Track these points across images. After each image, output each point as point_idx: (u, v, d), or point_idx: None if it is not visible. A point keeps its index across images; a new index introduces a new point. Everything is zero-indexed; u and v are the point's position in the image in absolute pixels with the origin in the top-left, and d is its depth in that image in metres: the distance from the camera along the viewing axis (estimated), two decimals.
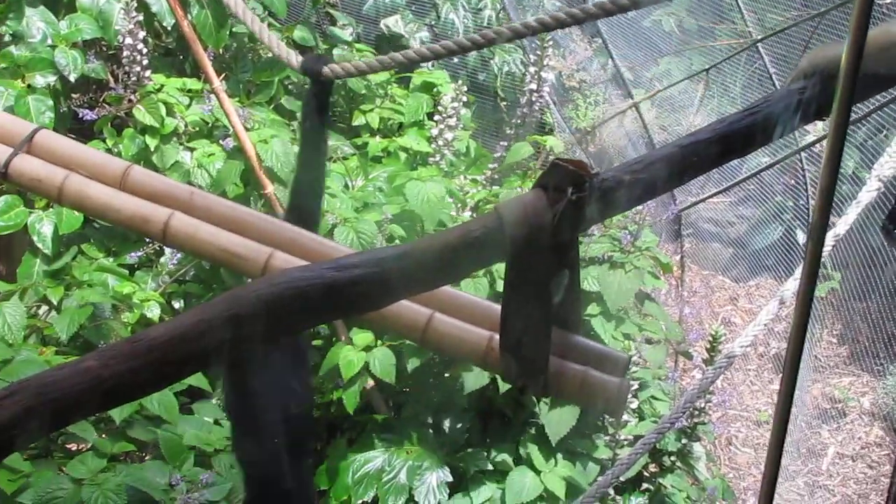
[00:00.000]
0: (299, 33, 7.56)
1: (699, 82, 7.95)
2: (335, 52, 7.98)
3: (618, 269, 6.01)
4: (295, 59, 3.59)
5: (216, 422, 5.62)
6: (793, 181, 9.02)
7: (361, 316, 2.87)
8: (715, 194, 9.00)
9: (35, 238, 5.97)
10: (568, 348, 2.34)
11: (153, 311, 5.98)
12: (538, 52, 7.74)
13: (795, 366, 1.56)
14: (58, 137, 2.73)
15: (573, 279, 2.33)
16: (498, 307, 2.32)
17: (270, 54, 7.40)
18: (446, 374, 6.09)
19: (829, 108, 2.20)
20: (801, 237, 8.94)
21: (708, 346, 5.91)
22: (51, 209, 6.01)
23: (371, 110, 7.75)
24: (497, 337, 2.32)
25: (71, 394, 1.87)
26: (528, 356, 2.27)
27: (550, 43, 7.72)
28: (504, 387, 5.69)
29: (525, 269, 2.18)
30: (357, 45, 8.30)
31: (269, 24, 7.67)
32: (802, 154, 8.21)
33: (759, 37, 8.01)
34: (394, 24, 9.23)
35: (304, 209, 3.56)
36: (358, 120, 7.72)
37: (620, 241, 6.12)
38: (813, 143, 7.69)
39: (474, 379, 5.74)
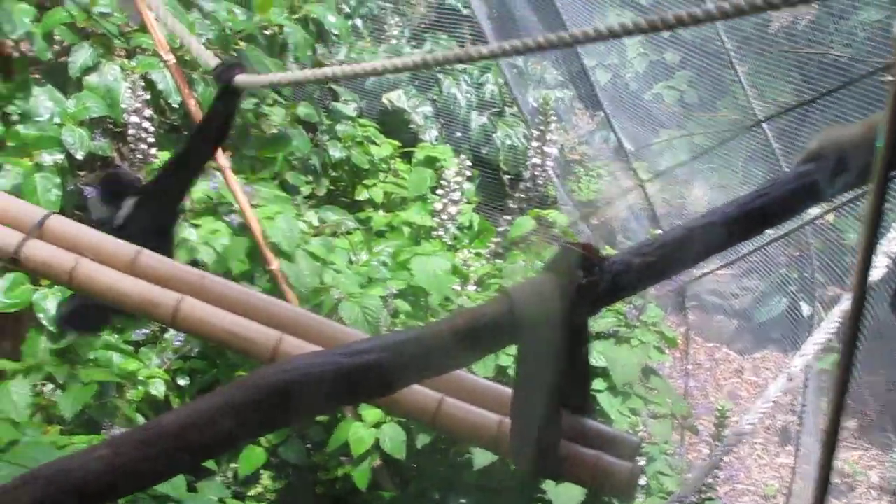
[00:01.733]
0: (303, 109, 7.60)
1: (703, 160, 8.01)
2: (339, 127, 8.02)
3: (623, 343, 6.01)
4: (211, 62, 3.63)
5: (221, 501, 5.58)
6: (797, 253, 9.03)
7: (372, 400, 2.87)
8: (719, 267, 9.01)
9: (41, 316, 5.96)
10: (579, 432, 2.33)
11: (158, 388, 5.97)
12: (541, 127, 7.80)
13: (832, 440, 1.56)
14: (68, 223, 2.74)
15: (583, 362, 2.33)
16: (508, 391, 2.32)
17: (275, 130, 7.46)
18: (455, 451, 6.07)
19: (838, 190, 2.20)
20: (807, 309, 8.92)
21: (715, 421, 5.89)
22: (56, 287, 6.00)
23: (374, 185, 7.79)
24: (508, 421, 2.31)
25: (84, 482, 1.86)
26: (540, 440, 2.26)
27: (553, 117, 7.78)
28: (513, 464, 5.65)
29: (536, 352, 2.18)
30: (360, 120, 8.35)
31: (275, 101, 7.73)
32: (807, 227, 8.22)
33: (762, 113, 8.06)
34: (396, 98, 9.29)
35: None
36: (361, 194, 7.76)
37: (626, 316, 6.12)
38: (817, 217, 7.71)
39: (483, 456, 5.71)
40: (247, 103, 7.46)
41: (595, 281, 2.14)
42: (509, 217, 8.22)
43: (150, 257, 2.67)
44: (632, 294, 4.55)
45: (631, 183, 8.91)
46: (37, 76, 6.62)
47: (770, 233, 8.20)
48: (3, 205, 2.78)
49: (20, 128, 6.25)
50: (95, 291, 2.65)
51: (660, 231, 8.38)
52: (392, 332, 2.21)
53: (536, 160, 8.00)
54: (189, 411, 1.98)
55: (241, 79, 3.35)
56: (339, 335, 2.55)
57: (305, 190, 7.62)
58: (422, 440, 5.82)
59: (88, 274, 2.64)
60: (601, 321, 6.07)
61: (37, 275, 2.73)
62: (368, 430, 5.78)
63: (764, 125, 8.15)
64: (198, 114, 6.25)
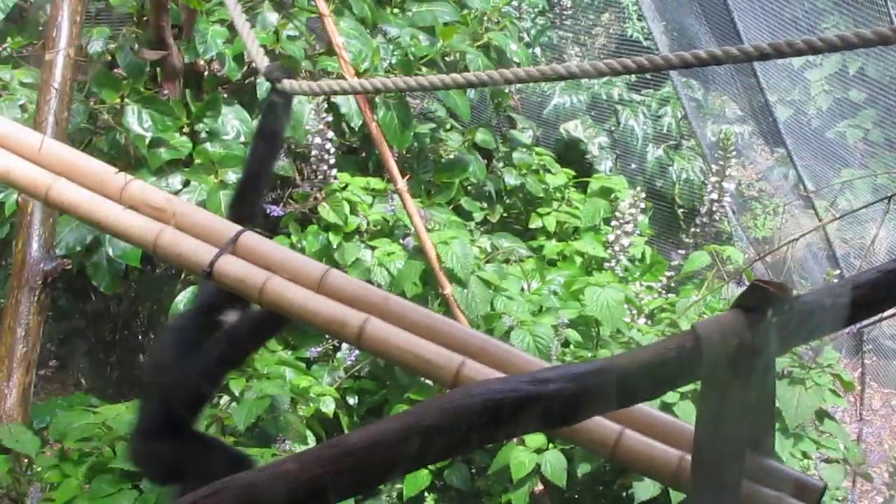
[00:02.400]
0: (481, 136, 7.66)
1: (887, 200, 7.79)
2: (515, 154, 8.05)
3: (798, 384, 5.88)
4: (263, 64, 3.59)
5: None
6: None
7: (554, 429, 2.87)
8: None
9: None
10: (761, 472, 2.29)
11: (328, 406, 6.07)
12: (720, 162, 7.70)
13: None
14: (260, 239, 2.81)
15: (769, 402, 2.29)
16: (690, 427, 2.29)
17: (452, 156, 7.53)
18: (617, 482, 6.01)
19: None
20: None
21: (890, 469, 5.71)
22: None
23: (548, 213, 7.79)
24: (689, 457, 2.28)
25: (271, 495, 1.90)
26: (721, 479, 2.22)
27: (733, 152, 7.68)
28: (677, 497, 5.59)
29: (721, 390, 2.15)
30: (536, 149, 8.37)
31: (452, 126, 7.81)
32: None
33: None
34: (573, 128, 9.28)
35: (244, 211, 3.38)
36: (535, 222, 7.77)
37: (801, 357, 5.99)
38: None
39: (645, 489, 5.65)
40: (424, 128, 7.56)
41: (785, 320, 2.10)
42: (682, 251, 8.13)
43: (337, 276, 2.72)
44: (822, 336, 4.46)
45: (810, 222, 8.73)
46: (225, 95, 6.83)
47: None
48: (199, 219, 2.87)
49: (208, 145, 6.45)
50: (285, 308, 2.71)
51: (838, 272, 8.19)
52: (575, 363, 2.21)
53: (714, 195, 7.90)
54: (375, 430, 2.00)
55: (286, 83, 3.36)
56: (520, 362, 2.55)
57: (479, 216, 7.67)
58: (583, 468, 5.79)
59: (278, 291, 2.70)
60: (777, 361, 5.95)
61: (228, 289, 2.78)
62: (529, 455, 5.78)
63: None
64: (379, 136, 6.36)
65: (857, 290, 2.20)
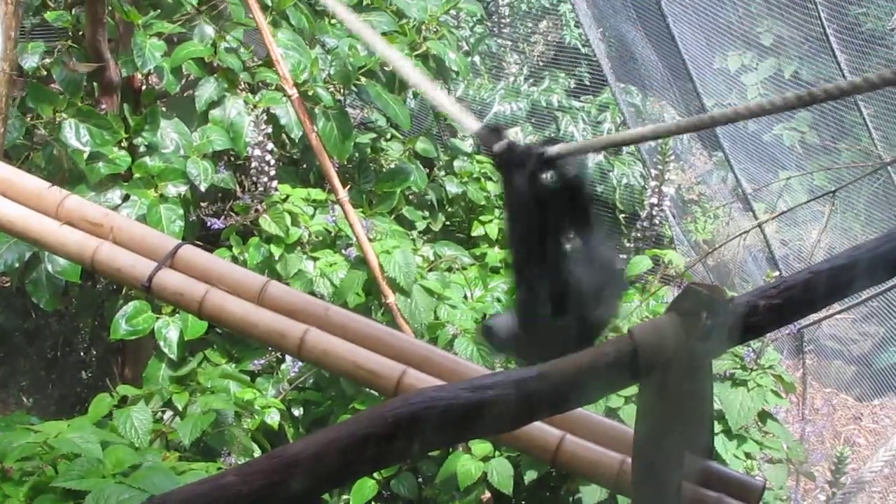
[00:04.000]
0: (421, 145, 7.67)
1: (823, 202, 7.88)
2: (456, 163, 8.07)
3: (740, 386, 5.93)
4: (472, 126, 3.18)
5: None
6: None
7: (494, 435, 2.88)
8: (838, 312, 8.86)
9: (161, 343, 6.09)
10: (701, 474, 2.31)
11: (273, 418, 6.05)
12: (659, 166, 7.76)
13: None
14: (199, 253, 2.81)
15: (707, 404, 2.31)
16: (629, 430, 2.31)
17: (393, 165, 7.54)
18: (564, 487, 6.04)
19: None
20: None
21: (832, 468, 5.78)
22: (177, 315, 6.13)
23: (490, 221, 7.82)
24: (629, 460, 2.30)
25: None
26: (662, 481, 2.25)
27: (672, 157, 7.74)
28: (624, 501, 5.62)
29: (658, 393, 2.17)
30: (477, 157, 8.39)
31: (393, 136, 7.82)
32: None
33: (887, 156, 7.92)
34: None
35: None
36: (477, 230, 7.80)
37: (743, 358, 6.05)
38: None
39: (592, 495, 5.67)
40: (364, 137, 7.57)
41: (720, 322, 2.13)
42: (624, 256, 8.18)
43: (277, 288, 2.72)
44: (756, 337, 4.50)
45: (749, 224, 8.82)
46: (164, 109, 6.79)
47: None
48: (136, 233, 2.86)
49: (147, 159, 6.41)
50: (225, 321, 2.71)
51: (777, 273, 8.28)
52: (514, 370, 2.22)
53: (654, 199, 7.97)
54: (316, 441, 2.01)
55: (501, 145, 2.93)
56: (463, 371, 2.57)
57: (421, 225, 7.67)
58: (530, 475, 5.80)
59: (218, 304, 2.70)
60: (718, 363, 6.00)
61: (167, 303, 2.78)
62: (476, 464, 5.78)
63: (889, 169, 8.01)
64: (319, 147, 6.36)
65: (789, 291, 2.24)
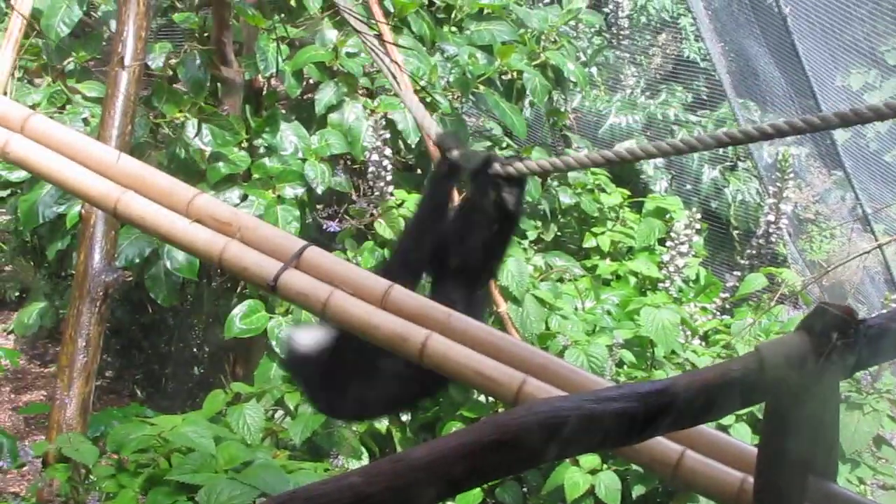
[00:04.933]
0: (536, 154, 7.65)
1: None
2: (570, 174, 8.06)
3: (855, 410, 5.83)
4: (433, 128, 3.58)
5: None
6: None
7: (615, 449, 2.87)
8: None
9: (274, 343, 6.16)
10: (824, 496, 2.27)
11: (381, 422, 6.09)
12: (778, 184, 7.66)
13: None
14: (324, 254, 2.84)
15: (833, 426, 2.28)
16: (752, 449, 2.29)
17: None
18: (671, 503, 5.99)
19: None
20: None
21: None
22: (290, 315, 6.20)
23: (603, 233, 7.79)
24: (751, 479, 2.28)
25: None
26: (784, 502, 2.22)
27: (791, 175, 7.64)
28: None
29: (784, 413, 2.14)
30: (592, 168, 8.36)
31: (508, 145, 7.82)
32: None
33: None
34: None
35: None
36: (589, 242, 7.77)
37: (859, 382, 5.94)
38: None
39: None
40: (480, 145, 7.58)
41: (851, 344, 2.09)
42: (737, 273, 8.08)
43: (400, 292, 2.74)
44: (887, 360, 4.42)
45: (867, 245, 8.66)
46: (284, 111, 6.89)
47: None
48: (263, 234, 2.90)
49: (266, 160, 6.51)
50: (347, 323, 2.73)
51: None
52: (638, 382, 2.20)
53: (770, 217, 7.87)
54: (439, 446, 2.01)
55: (456, 153, 3.26)
56: (582, 381, 2.56)
57: (533, 234, 7.67)
58: (637, 490, 5.77)
59: (342, 305, 2.72)
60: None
61: (291, 303, 2.81)
62: (584, 476, 5.76)
63: None
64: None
65: None
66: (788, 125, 2.90)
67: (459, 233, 3.32)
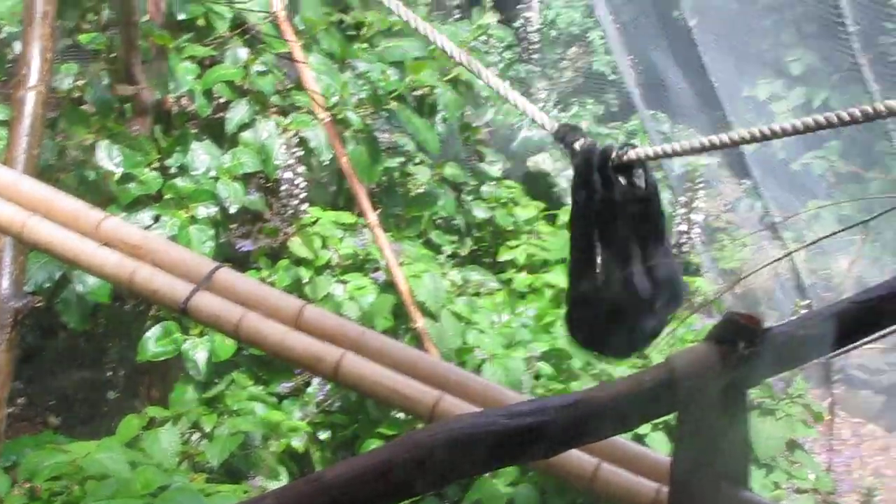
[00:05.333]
0: (450, 169, 7.68)
1: (852, 231, 7.88)
2: (484, 188, 8.09)
3: (769, 416, 5.92)
4: (549, 124, 3.27)
5: None
6: None
7: (530, 463, 2.87)
8: (867, 342, 8.79)
9: (189, 365, 6.10)
10: (737, 503, 2.30)
11: (300, 441, 6.06)
12: (688, 194, 7.75)
13: None
14: (236, 275, 2.82)
15: (744, 433, 2.31)
16: (667, 459, 2.31)
17: (422, 189, 7.55)
18: None
19: None
20: None
21: (861, 499, 5.75)
22: (205, 337, 6.14)
23: (518, 246, 7.81)
24: (665, 489, 2.30)
25: None
26: None
27: (701, 184, 7.73)
28: None
29: (696, 422, 2.17)
30: (505, 182, 8.41)
31: (422, 160, 7.83)
32: None
33: None
34: (542, 161, 9.34)
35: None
36: (504, 255, 7.79)
37: (772, 388, 6.03)
38: None
39: None
40: (393, 161, 7.58)
41: (758, 352, 2.13)
42: None
43: (313, 312, 2.73)
44: (793, 367, 4.49)
45: (778, 253, 8.80)
46: (195, 131, 6.83)
47: None
48: (174, 256, 2.87)
49: (178, 181, 6.44)
50: (261, 344, 2.72)
51: (807, 302, 8.25)
52: (552, 396, 2.21)
53: (682, 227, 7.95)
54: (354, 465, 2.01)
55: (580, 144, 3.05)
56: (497, 396, 2.57)
57: (449, 249, 7.68)
58: (555, 502, 5.79)
59: (255, 327, 2.70)
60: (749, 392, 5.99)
61: (203, 325, 2.79)
62: (504, 489, 5.78)
63: None
64: (349, 170, 6.38)
65: (827, 322, 2.23)
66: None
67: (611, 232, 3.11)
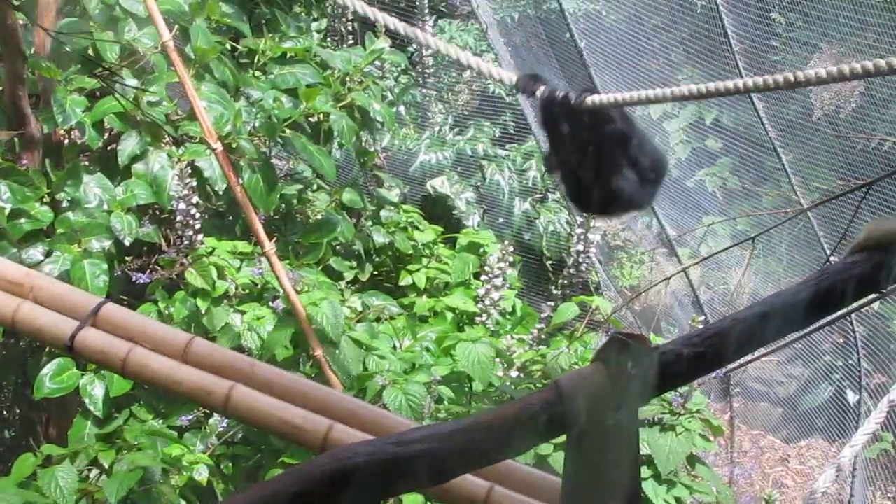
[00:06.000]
0: (347, 195, 7.67)
1: (746, 246, 8.01)
2: (382, 213, 8.10)
3: (668, 431, 5.98)
4: (506, 77, 3.46)
5: None
6: (842, 340, 8.98)
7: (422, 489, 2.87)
8: (763, 355, 8.96)
9: (86, 400, 6.00)
10: None
11: (201, 474, 5.99)
12: (584, 214, 7.82)
13: None
14: (121, 311, 2.78)
15: (633, 451, 2.32)
16: (558, 480, 2.32)
17: (319, 216, 7.52)
18: None
19: (888, 281, 2.22)
20: (852, 397, 8.85)
21: None
22: (102, 372, 6.04)
23: (418, 270, 7.84)
24: None
25: None
26: None
27: None
28: None
29: (584, 443, 2.18)
30: (404, 206, 8.43)
31: (319, 187, 7.81)
32: (852, 314, 8.18)
33: (806, 201, 8.08)
34: (440, 184, 9.37)
35: None
36: (405, 279, 7.81)
37: (671, 403, 6.10)
38: (863, 305, 7.67)
39: None
40: (290, 189, 7.55)
41: (645, 372, 2.14)
42: (552, 303, 8.22)
43: (201, 345, 2.70)
44: (682, 385, 4.54)
45: (674, 269, 8.92)
46: (86, 163, 6.74)
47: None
48: (58, 292, 2.82)
49: (70, 214, 6.34)
50: (148, 379, 2.68)
51: (703, 317, 8.37)
52: (441, 423, 2.23)
53: (580, 246, 8.04)
54: (246, 499, 1.99)
55: (542, 89, 3.26)
56: (388, 423, 2.56)
57: (349, 275, 7.67)
58: None
59: (142, 362, 2.67)
60: (646, 408, 6.05)
61: (90, 362, 2.74)
62: None
63: (810, 215, 8.16)
64: (244, 199, 6.33)
65: (713, 338, 2.26)
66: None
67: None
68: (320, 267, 7.29)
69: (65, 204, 6.40)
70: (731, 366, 8.83)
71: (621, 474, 2.30)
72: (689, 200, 9.70)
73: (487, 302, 7.27)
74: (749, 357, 8.94)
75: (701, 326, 6.47)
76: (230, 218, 7.59)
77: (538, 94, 3.30)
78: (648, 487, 5.91)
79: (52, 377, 5.96)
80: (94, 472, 5.81)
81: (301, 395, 2.62)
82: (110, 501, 5.45)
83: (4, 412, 7.63)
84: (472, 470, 2.38)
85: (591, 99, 3.20)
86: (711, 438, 6.37)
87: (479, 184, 9.54)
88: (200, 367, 2.66)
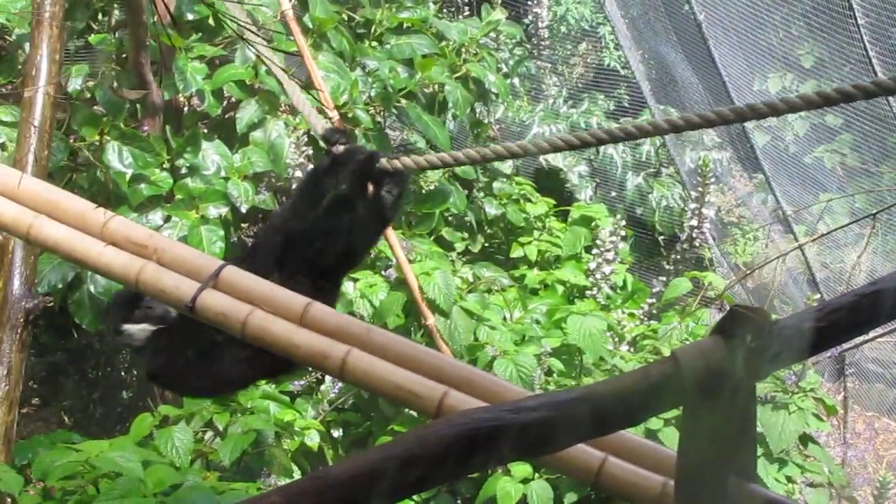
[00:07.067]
0: (460, 169, 7.67)
1: (865, 224, 7.84)
2: (495, 184, 8.08)
3: (781, 410, 5.90)
4: (320, 126, 3.70)
5: None
6: None
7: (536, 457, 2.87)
8: (880, 335, 8.78)
9: None
10: (744, 498, 2.29)
11: (313, 439, 6.06)
12: (699, 189, 7.73)
13: None
14: (242, 274, 2.82)
15: (750, 427, 2.30)
16: (673, 453, 2.30)
17: (433, 186, 7.54)
18: None
19: None
20: None
21: (875, 493, 5.73)
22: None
23: (529, 243, 7.81)
24: (671, 483, 2.29)
25: None
26: None
27: (712, 179, 7.71)
28: None
29: (702, 415, 2.16)
30: (516, 178, 8.40)
31: None
32: None
33: None
34: (553, 157, 9.32)
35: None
36: (516, 252, 7.79)
37: (784, 382, 6.01)
38: None
39: None
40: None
41: (765, 345, 2.12)
42: (663, 278, 8.16)
43: (319, 309, 2.73)
44: (801, 360, 4.47)
45: (789, 246, 8.78)
46: (205, 131, 6.84)
47: None
48: (180, 254, 2.88)
49: (188, 181, 6.45)
50: (267, 342, 2.72)
51: (818, 296, 8.23)
52: (558, 391, 2.24)
53: (693, 222, 7.94)
54: (359, 462, 2.01)
55: (340, 148, 3.45)
56: (504, 392, 2.57)
57: (460, 246, 7.68)
58: (569, 497, 5.78)
59: (261, 325, 2.71)
60: (759, 386, 5.98)
61: (210, 324, 2.79)
62: (516, 485, 5.77)
63: None
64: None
65: (834, 314, 2.22)
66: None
67: (326, 228, 3.42)
68: (432, 237, 7.32)
69: (184, 170, 6.50)
70: (846, 345, 8.68)
71: (738, 448, 2.28)
72: (807, 177, 9.51)
73: (598, 276, 7.23)
74: (864, 337, 8.77)
75: (816, 304, 6.38)
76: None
77: (335, 148, 3.47)
78: (759, 466, 5.85)
79: None
80: (209, 433, 5.92)
81: (416, 360, 2.64)
82: (224, 462, 5.56)
83: (123, 373, 7.80)
84: (586, 440, 2.38)
85: (405, 160, 3.37)
86: (825, 418, 6.28)
87: (591, 157, 9.47)
88: (318, 331, 2.69)
